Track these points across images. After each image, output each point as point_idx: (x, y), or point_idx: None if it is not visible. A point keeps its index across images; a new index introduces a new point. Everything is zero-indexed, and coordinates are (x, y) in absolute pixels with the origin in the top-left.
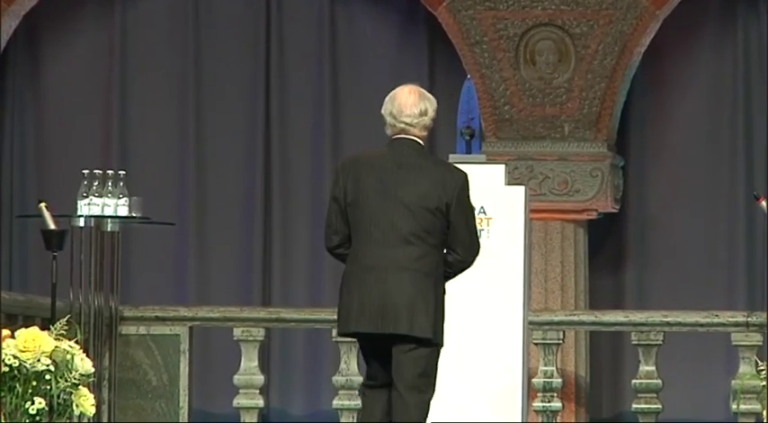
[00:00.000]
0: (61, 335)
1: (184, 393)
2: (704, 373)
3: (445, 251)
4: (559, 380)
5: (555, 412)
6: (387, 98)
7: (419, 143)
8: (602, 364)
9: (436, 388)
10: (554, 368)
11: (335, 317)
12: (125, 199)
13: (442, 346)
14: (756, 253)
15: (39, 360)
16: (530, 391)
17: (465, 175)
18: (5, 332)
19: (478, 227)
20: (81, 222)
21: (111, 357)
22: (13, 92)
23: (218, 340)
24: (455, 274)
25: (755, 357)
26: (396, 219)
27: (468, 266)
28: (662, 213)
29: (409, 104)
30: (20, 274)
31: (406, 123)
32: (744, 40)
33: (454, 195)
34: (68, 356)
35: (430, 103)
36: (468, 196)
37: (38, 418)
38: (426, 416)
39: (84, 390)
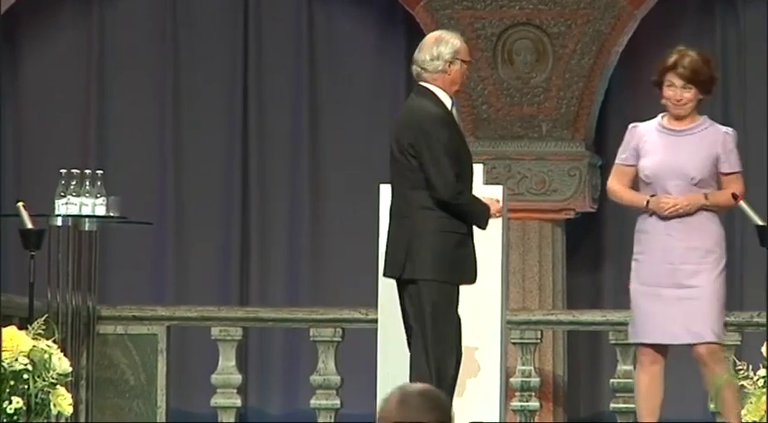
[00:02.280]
0: (39, 334)
1: (162, 393)
2: (682, 373)
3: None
4: (537, 379)
5: (532, 412)
6: None
7: (423, 88)
8: (579, 364)
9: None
10: (532, 368)
11: (313, 316)
12: (103, 198)
13: (433, 279)
14: (734, 252)
15: (16, 359)
16: (507, 391)
17: (434, 111)
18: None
19: None
20: (59, 222)
21: (88, 357)
22: None
23: (196, 340)
24: (456, 217)
25: (733, 357)
26: (390, 169)
27: (454, 207)
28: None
29: (421, 49)
30: None
31: (416, 68)
32: (721, 39)
33: (417, 134)
34: (46, 356)
35: (445, 47)
36: (434, 134)
37: (15, 417)
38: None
39: (61, 389)
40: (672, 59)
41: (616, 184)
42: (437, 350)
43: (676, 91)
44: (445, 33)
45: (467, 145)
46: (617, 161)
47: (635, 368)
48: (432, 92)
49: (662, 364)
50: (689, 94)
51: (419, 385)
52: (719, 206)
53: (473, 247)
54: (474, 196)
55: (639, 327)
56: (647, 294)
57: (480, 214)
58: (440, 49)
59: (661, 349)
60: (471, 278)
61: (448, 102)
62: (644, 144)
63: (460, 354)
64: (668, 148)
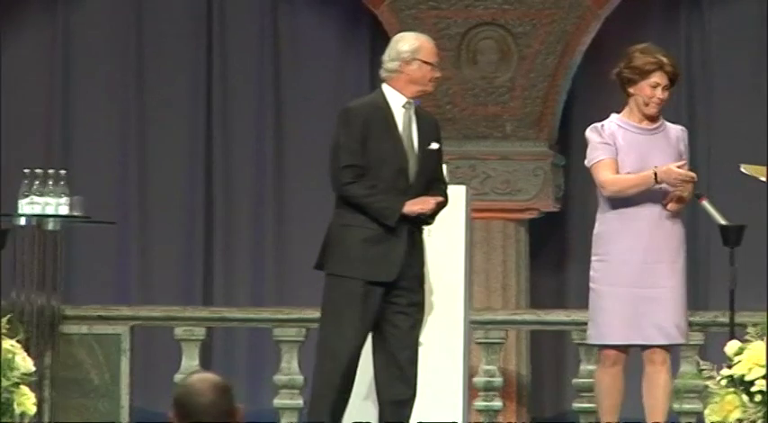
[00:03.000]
0: (3, 334)
1: (126, 392)
2: (640, 372)
3: None
4: (501, 379)
5: (496, 411)
6: None
7: (380, 88)
8: (543, 364)
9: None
10: (495, 367)
11: (277, 316)
12: (66, 198)
13: (330, 273)
14: (699, 252)
15: None
16: (470, 391)
17: (345, 107)
18: None
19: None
20: (22, 221)
21: (52, 356)
22: None
23: (161, 339)
24: (361, 212)
25: (697, 357)
26: None
27: (346, 200)
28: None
29: (387, 49)
30: None
31: (380, 68)
32: (686, 38)
33: (334, 133)
34: (10, 356)
35: (403, 46)
36: (336, 129)
37: None
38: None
39: (25, 389)
40: (659, 58)
41: (611, 175)
42: (320, 347)
43: (659, 90)
44: (408, 33)
45: (391, 142)
46: (600, 158)
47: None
48: (381, 91)
49: (623, 364)
50: (666, 94)
51: (207, 375)
52: (684, 202)
53: (391, 243)
54: (379, 192)
55: (605, 328)
56: (614, 295)
57: (382, 211)
58: (398, 48)
59: (624, 350)
60: (377, 276)
61: (398, 101)
62: (620, 142)
63: (348, 356)
64: (646, 147)
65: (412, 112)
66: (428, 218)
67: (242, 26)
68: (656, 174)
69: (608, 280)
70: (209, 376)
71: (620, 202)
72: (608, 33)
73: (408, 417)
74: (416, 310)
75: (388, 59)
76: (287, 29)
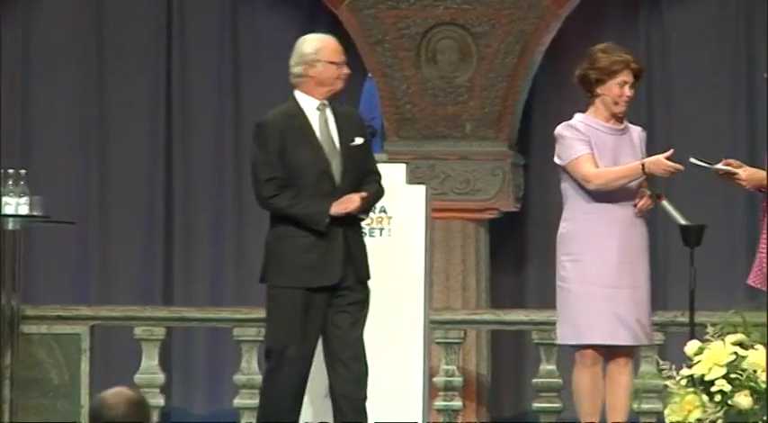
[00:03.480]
0: None
1: (86, 392)
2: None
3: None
4: (460, 379)
5: (456, 411)
6: None
7: (291, 95)
8: (503, 363)
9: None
10: (455, 367)
11: (237, 316)
12: (26, 197)
13: (271, 285)
14: (659, 252)
15: None
16: (430, 390)
17: (259, 120)
18: None
19: (379, 226)
20: None
21: (12, 356)
22: None
23: (120, 339)
24: (291, 222)
25: (657, 356)
26: None
27: (276, 213)
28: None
29: None
30: None
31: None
32: (645, 39)
33: (252, 148)
34: None
35: (306, 49)
36: (253, 142)
37: None
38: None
39: None
40: (624, 57)
41: (594, 169)
42: (267, 358)
43: (627, 88)
44: (310, 35)
45: (309, 148)
46: (581, 152)
47: (558, 368)
48: (293, 97)
49: (601, 364)
50: (633, 91)
51: (122, 389)
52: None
53: (329, 247)
54: (304, 199)
55: (585, 328)
56: (592, 295)
57: (310, 217)
58: (301, 51)
59: (602, 350)
60: (319, 281)
61: (311, 105)
62: (594, 142)
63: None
64: (616, 148)
65: (328, 112)
66: (361, 213)
67: (202, 27)
68: (643, 165)
69: (583, 280)
70: (124, 391)
71: (593, 201)
72: (567, 33)
73: (364, 413)
74: (358, 308)
75: (294, 64)
76: (246, 29)
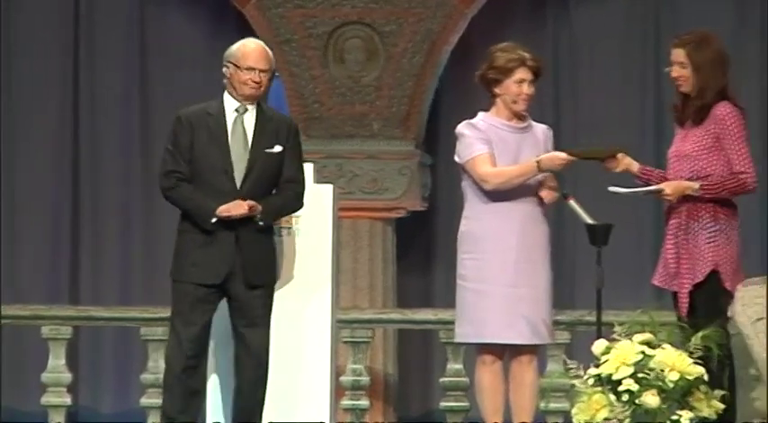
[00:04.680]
0: None
1: None
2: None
3: None
4: (367, 378)
5: (363, 411)
6: None
7: None
8: (410, 363)
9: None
10: (362, 366)
11: (144, 315)
12: None
13: (175, 280)
14: (565, 251)
15: None
16: (337, 390)
17: (174, 118)
18: None
19: (286, 225)
20: None
21: None
22: None
23: (29, 338)
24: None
25: (564, 355)
26: None
27: (172, 204)
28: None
29: None
30: None
31: None
32: (553, 39)
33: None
34: None
35: (226, 53)
36: (168, 137)
37: None
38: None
39: None
40: (520, 54)
41: (491, 168)
42: (167, 352)
43: (525, 86)
44: (242, 40)
45: (216, 147)
46: (479, 152)
47: (465, 367)
48: (221, 96)
49: (501, 362)
50: (533, 89)
51: None
52: (550, 201)
53: (219, 246)
54: (200, 196)
55: (484, 327)
56: (491, 294)
57: (198, 213)
58: (225, 53)
59: (504, 349)
60: (205, 279)
61: (232, 106)
62: (495, 141)
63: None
64: (518, 146)
65: (247, 116)
66: (264, 219)
67: (109, 24)
68: (538, 162)
69: (482, 278)
70: None
71: (492, 200)
72: (475, 33)
73: (259, 416)
74: (257, 312)
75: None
76: (154, 28)
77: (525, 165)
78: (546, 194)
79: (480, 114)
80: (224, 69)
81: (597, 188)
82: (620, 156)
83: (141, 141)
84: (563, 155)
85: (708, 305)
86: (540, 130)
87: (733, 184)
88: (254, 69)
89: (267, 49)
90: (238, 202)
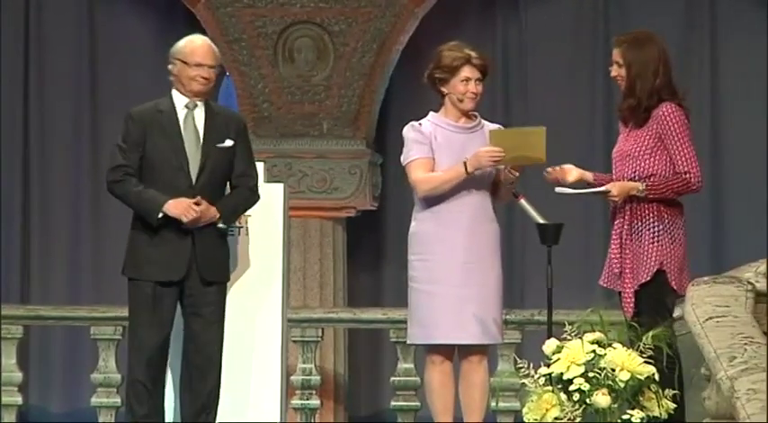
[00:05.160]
0: None
1: None
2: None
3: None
4: (318, 377)
5: (313, 410)
6: None
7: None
8: (360, 362)
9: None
10: (312, 366)
11: (94, 314)
12: None
13: (129, 277)
14: (515, 250)
15: None
16: (288, 389)
17: (126, 114)
18: None
19: (237, 224)
20: None
21: None
22: None
23: None
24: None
25: (514, 355)
26: None
27: (117, 198)
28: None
29: None
30: None
31: None
32: (503, 39)
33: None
34: None
35: (171, 49)
36: (120, 133)
37: None
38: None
39: None
40: (466, 52)
41: (422, 174)
42: (130, 352)
43: (471, 84)
44: (188, 36)
45: (168, 142)
46: (411, 158)
47: (416, 367)
48: (170, 94)
49: (451, 362)
50: (480, 87)
51: None
52: (502, 200)
53: (177, 243)
54: (149, 191)
55: (432, 328)
56: (438, 295)
57: (144, 206)
58: (171, 51)
59: (452, 349)
60: (165, 276)
61: (181, 102)
62: (437, 142)
63: (148, 355)
64: (464, 146)
65: (197, 111)
66: (225, 222)
67: (59, 24)
68: (465, 164)
69: (430, 279)
70: None
71: (438, 200)
72: (425, 32)
73: (212, 414)
74: (210, 310)
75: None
76: (104, 27)
77: (453, 169)
78: (505, 177)
79: (430, 114)
80: (170, 66)
81: (547, 188)
82: (566, 167)
83: (91, 140)
84: (488, 152)
85: (654, 305)
86: (492, 128)
87: (677, 184)
88: (202, 65)
89: (213, 44)
90: (188, 205)
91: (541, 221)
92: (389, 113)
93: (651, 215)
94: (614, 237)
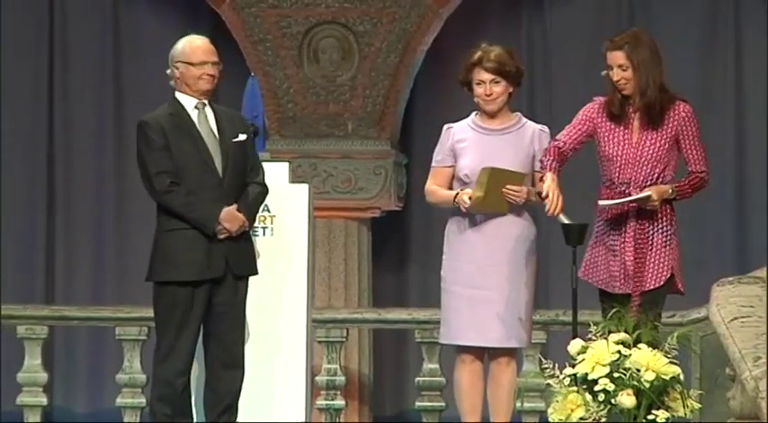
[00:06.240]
0: None
1: None
2: None
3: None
4: (343, 378)
5: (338, 410)
6: None
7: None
8: (385, 362)
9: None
10: (337, 366)
11: (119, 315)
12: None
13: (159, 281)
14: (540, 250)
15: None
16: (313, 390)
17: (138, 123)
18: None
19: (261, 224)
20: None
21: None
22: None
23: (3, 338)
24: (175, 215)
25: (539, 355)
26: None
27: (168, 209)
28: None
29: None
30: None
31: None
32: (527, 39)
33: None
34: None
35: (172, 52)
36: (138, 144)
37: None
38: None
39: None
40: (476, 56)
41: (431, 185)
42: (156, 353)
43: (485, 86)
44: (183, 38)
45: (191, 141)
46: (433, 163)
47: (441, 367)
48: (174, 98)
49: (481, 362)
50: (498, 88)
51: None
52: (532, 203)
53: (213, 241)
54: (197, 200)
55: (456, 329)
56: (459, 296)
57: (200, 221)
58: (170, 55)
59: (481, 349)
60: (205, 274)
61: (190, 104)
62: (459, 144)
63: (182, 359)
64: (486, 148)
65: (207, 111)
66: (250, 223)
67: (83, 23)
68: (456, 195)
69: (455, 281)
70: None
71: None
72: (450, 32)
73: (234, 414)
74: (236, 309)
75: (168, 68)
76: (127, 26)
77: (449, 194)
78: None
79: (471, 115)
80: (172, 71)
81: (572, 187)
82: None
83: (115, 139)
84: (459, 197)
85: (656, 306)
86: (531, 130)
87: (697, 184)
88: (206, 63)
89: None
90: (236, 216)
91: (566, 222)
92: (414, 114)
93: (664, 218)
94: (627, 240)
